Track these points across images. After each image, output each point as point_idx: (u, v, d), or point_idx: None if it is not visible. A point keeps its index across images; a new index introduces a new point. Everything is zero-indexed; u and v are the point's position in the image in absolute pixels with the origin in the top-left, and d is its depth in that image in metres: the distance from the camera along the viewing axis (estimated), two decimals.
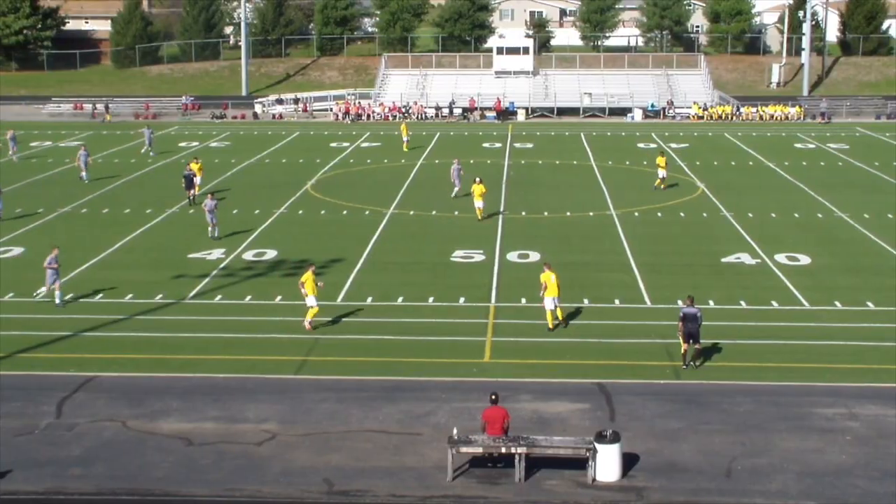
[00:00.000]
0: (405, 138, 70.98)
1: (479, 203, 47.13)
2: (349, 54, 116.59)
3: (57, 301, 34.26)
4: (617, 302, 34.80)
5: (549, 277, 31.96)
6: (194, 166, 52.91)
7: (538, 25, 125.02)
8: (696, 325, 28.28)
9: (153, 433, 24.32)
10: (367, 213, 49.15)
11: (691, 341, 28.40)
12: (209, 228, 43.65)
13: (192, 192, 50.93)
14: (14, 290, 35.94)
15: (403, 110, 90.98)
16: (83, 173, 56.75)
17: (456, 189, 52.07)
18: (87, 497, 21.16)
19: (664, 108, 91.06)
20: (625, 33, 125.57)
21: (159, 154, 67.27)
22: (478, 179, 48.46)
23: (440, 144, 73.33)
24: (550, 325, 31.90)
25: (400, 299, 34.99)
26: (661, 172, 54.86)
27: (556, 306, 32.03)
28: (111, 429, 24.56)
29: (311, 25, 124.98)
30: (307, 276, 31.87)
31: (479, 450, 22.29)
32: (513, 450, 21.98)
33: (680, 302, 34.19)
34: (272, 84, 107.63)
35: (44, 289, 35.08)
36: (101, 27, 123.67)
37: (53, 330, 31.70)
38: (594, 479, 21.78)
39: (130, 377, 27.99)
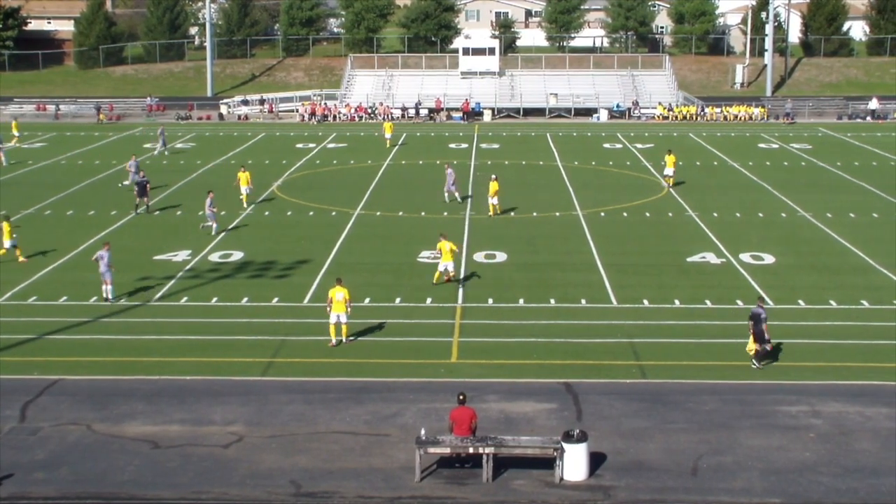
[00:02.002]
0: (388, 136, 72.34)
1: (493, 200, 48.23)
2: (315, 55, 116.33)
3: None
4: (583, 302, 34.93)
5: (444, 246, 36.40)
6: (241, 175, 51.29)
7: (504, 26, 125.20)
8: (761, 326, 28.50)
9: (118, 436, 24.17)
10: (333, 213, 49.07)
11: (760, 342, 28.54)
12: (213, 225, 44.79)
13: (145, 198, 49.71)
14: None
15: (369, 111, 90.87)
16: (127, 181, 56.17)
17: (457, 195, 51.85)
18: (52, 501, 21.01)
19: (629, 109, 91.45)
20: (590, 34, 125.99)
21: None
22: (493, 177, 49.80)
23: (407, 145, 73.27)
24: (435, 280, 36.69)
25: (367, 300, 34.95)
26: (669, 170, 55.99)
27: (446, 269, 36.70)
28: (76, 432, 24.39)
29: (277, 26, 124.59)
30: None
31: (447, 450, 22.33)
32: (480, 450, 22.02)
33: (646, 301, 34.55)
34: (238, 85, 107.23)
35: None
36: (64, 27, 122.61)
37: (16, 333, 31.44)
38: (561, 479, 21.85)
39: (95, 380, 27.81)
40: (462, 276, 38.04)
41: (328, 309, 30.58)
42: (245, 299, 34.83)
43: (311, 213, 49.50)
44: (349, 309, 30.59)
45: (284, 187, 56.05)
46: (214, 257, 40.78)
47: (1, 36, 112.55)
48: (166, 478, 22.06)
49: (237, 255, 40.99)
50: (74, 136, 78.31)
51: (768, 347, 28.88)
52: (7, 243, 40.14)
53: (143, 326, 32.29)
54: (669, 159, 56.40)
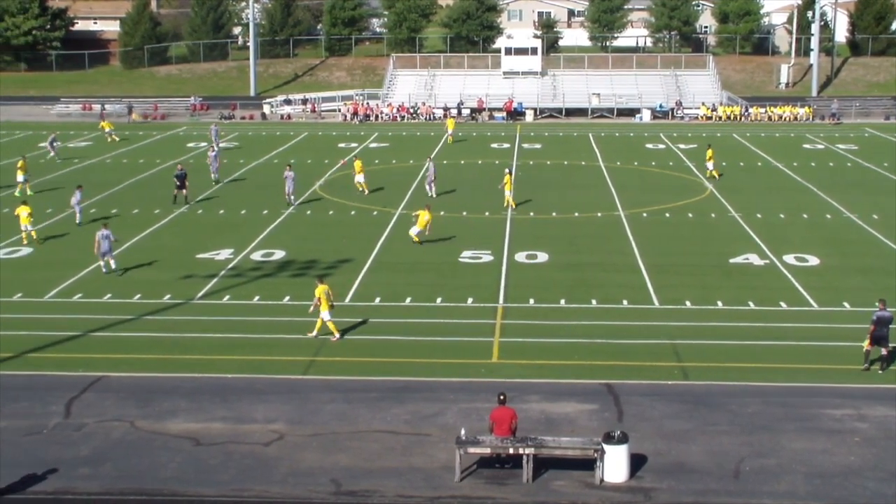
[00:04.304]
0: (450, 132, 74.01)
1: (508, 193, 49.92)
2: (357, 55, 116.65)
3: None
4: (625, 303, 34.75)
5: (423, 215, 41.67)
6: (359, 166, 54.07)
7: (546, 26, 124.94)
8: (886, 329, 28.18)
9: (161, 433, 24.34)
10: (375, 213, 49.16)
11: (878, 345, 28.23)
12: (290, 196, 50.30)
13: (184, 191, 50.92)
14: (22, 291, 36.01)
15: (412, 111, 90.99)
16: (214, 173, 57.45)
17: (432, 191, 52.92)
18: (95, 497, 21.18)
19: (672, 109, 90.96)
20: (633, 34, 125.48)
21: (173, 155, 67.44)
22: (508, 171, 51.50)
23: (449, 145, 73.25)
24: (416, 240, 41.77)
25: (408, 300, 35.00)
26: (711, 164, 57.62)
27: (417, 233, 41.53)
28: (119, 429, 24.59)
29: (320, 26, 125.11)
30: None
31: (487, 450, 22.29)
32: (521, 450, 21.96)
33: (688, 303, 34.32)
34: (280, 84, 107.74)
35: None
36: (110, 28, 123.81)
37: (62, 330, 31.76)
38: (602, 480, 21.75)
39: (139, 377, 28.04)
40: (503, 276, 37.97)
41: (315, 308, 30.88)
42: (287, 298, 34.94)
43: (353, 212, 49.62)
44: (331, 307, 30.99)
45: (326, 186, 56.21)
46: (256, 256, 40.98)
47: (48, 36, 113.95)
48: (208, 475, 22.18)
49: (279, 254, 41.16)
50: (119, 135, 78.86)
51: (884, 352, 28.43)
52: (24, 227, 42.59)
53: (185, 324, 32.49)
54: (708, 153, 57.96)
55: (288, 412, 25.54)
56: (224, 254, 41.19)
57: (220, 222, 47.42)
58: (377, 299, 35.07)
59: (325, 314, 30.91)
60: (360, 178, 53.71)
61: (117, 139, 75.62)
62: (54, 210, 49.32)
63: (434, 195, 52.20)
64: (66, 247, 41.74)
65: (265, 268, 39.17)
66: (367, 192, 53.40)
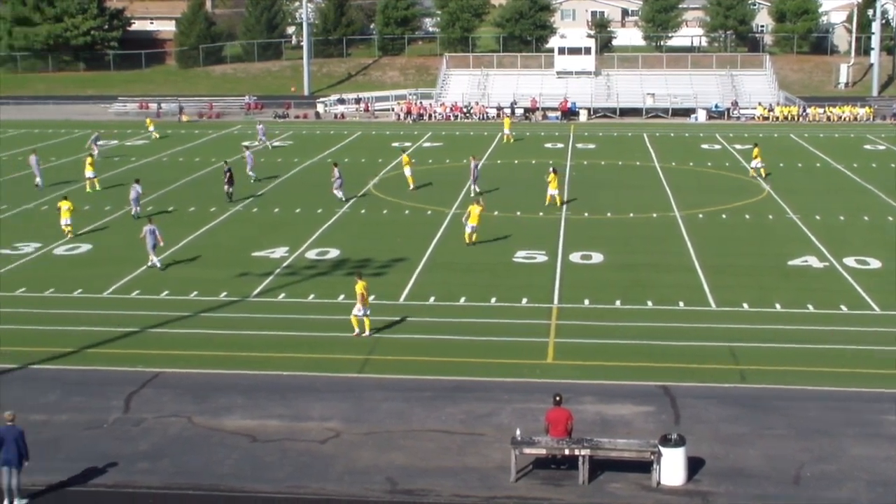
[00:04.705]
0: (507, 131, 74.20)
1: (552, 191, 49.65)
2: (410, 54, 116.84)
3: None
4: (681, 304, 34.46)
5: (474, 209, 41.61)
6: (406, 159, 55.31)
7: (600, 25, 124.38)
8: None
9: (218, 429, 24.52)
10: (428, 213, 49.18)
11: None
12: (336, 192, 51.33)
13: (231, 188, 51.86)
14: (82, 287, 36.43)
15: (465, 110, 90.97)
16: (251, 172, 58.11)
17: (475, 187, 53.04)
18: (154, 491, 21.38)
19: (728, 109, 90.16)
20: (688, 33, 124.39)
21: (223, 153, 67.96)
22: (552, 170, 50.96)
23: (502, 145, 73.16)
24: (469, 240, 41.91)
25: (462, 299, 34.97)
26: (755, 162, 57.85)
27: (472, 230, 41.70)
28: (177, 425, 24.80)
29: (373, 25, 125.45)
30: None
31: (543, 451, 22.21)
32: (576, 452, 21.86)
33: (746, 305, 33.97)
34: (334, 84, 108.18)
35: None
36: (166, 28, 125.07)
37: (121, 326, 32.09)
38: (659, 483, 21.59)
39: (196, 373, 28.26)
40: (558, 276, 37.83)
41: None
42: (341, 296, 35.02)
43: (407, 211, 49.68)
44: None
45: (380, 186, 56.34)
46: (311, 254, 41.15)
47: (106, 36, 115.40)
48: (264, 472, 22.30)
49: (334, 253, 41.31)
50: (175, 134, 79.71)
51: None
52: (63, 221, 43.73)
53: (241, 322, 32.69)
54: (754, 151, 58.14)
55: (344, 410, 25.62)
56: (279, 252, 41.41)
57: (275, 220, 47.68)
58: (431, 299, 35.07)
59: (357, 309, 31.09)
60: (407, 171, 54.79)
61: (157, 136, 77.16)
62: (113, 207, 49.85)
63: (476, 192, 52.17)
64: (124, 244, 42.13)
65: (320, 266, 39.31)
66: (412, 186, 54.11)
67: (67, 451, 23.32)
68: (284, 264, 39.66)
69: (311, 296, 35.39)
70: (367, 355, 29.67)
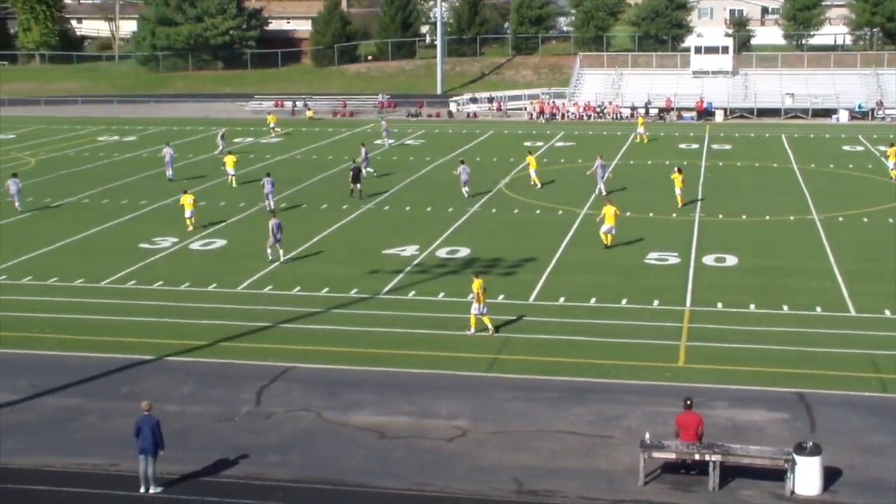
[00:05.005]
0: (640, 131, 73.94)
1: (678, 191, 49.37)
2: (544, 53, 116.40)
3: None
4: (818, 309, 33.47)
5: (609, 210, 41.17)
6: (530, 158, 56.07)
7: (738, 24, 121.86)
8: None
9: (347, 425, 24.76)
10: (560, 212, 48.88)
11: None
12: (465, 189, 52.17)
13: (358, 185, 52.41)
14: (216, 281, 37.22)
15: (598, 110, 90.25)
16: (369, 168, 59.29)
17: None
18: (284, 484, 21.69)
19: (873, 110, 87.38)
20: (831, 31, 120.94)
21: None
22: (677, 169, 50.99)
23: (636, 145, 72.31)
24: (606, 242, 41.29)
25: (592, 300, 34.63)
26: (891, 163, 55.92)
27: (608, 230, 41.00)
28: (307, 419, 25.13)
29: (507, 24, 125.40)
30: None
31: (672, 455, 21.83)
32: (707, 457, 21.42)
33: (888, 311, 32.84)
34: (467, 83, 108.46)
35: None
36: (302, 27, 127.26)
37: (253, 320, 32.68)
38: (793, 492, 21.00)
39: (326, 369, 28.59)
40: (690, 279, 37.19)
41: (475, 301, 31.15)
42: (470, 295, 34.86)
43: (538, 211, 49.46)
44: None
45: (511, 185, 56.24)
46: (441, 253, 41.28)
47: (244, 36, 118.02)
48: (391, 468, 22.42)
49: (464, 252, 41.36)
50: (309, 132, 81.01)
51: None
52: (188, 213, 45.40)
53: (371, 319, 32.96)
54: (890, 150, 55.99)
55: (471, 409, 25.60)
56: (410, 250, 41.65)
57: (406, 218, 48.00)
58: (561, 299, 34.82)
59: (475, 307, 31.10)
60: (532, 172, 55.37)
61: (279, 130, 79.22)
62: (247, 204, 50.82)
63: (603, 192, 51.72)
64: (258, 239, 42.80)
65: (450, 265, 39.40)
66: (539, 185, 54.42)
67: (200, 441, 23.84)
68: (415, 262, 39.87)
69: (441, 294, 35.48)
70: (496, 354, 29.60)
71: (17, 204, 50.12)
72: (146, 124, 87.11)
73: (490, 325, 31.24)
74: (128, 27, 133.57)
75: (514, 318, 32.62)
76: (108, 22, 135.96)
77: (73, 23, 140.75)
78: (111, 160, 67.43)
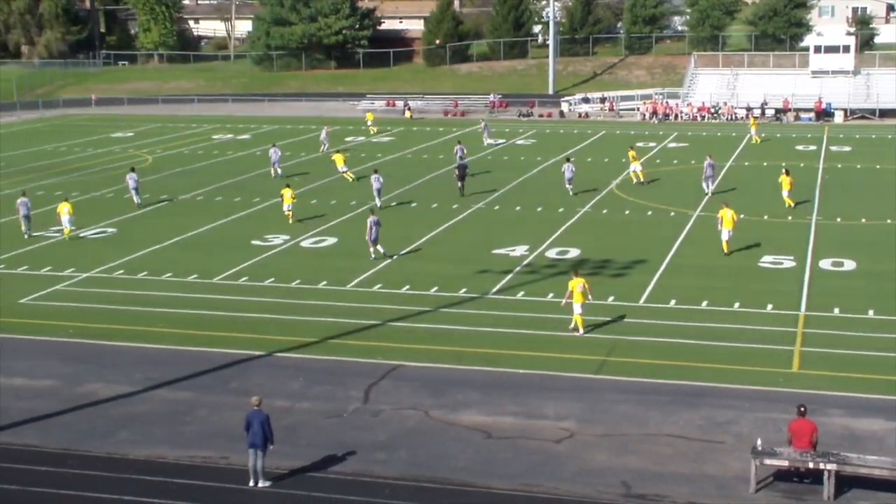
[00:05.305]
0: (753, 132, 73.13)
1: (785, 193, 48.70)
2: (657, 53, 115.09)
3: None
4: None
5: (725, 213, 39.75)
6: (632, 153, 56.58)
7: (861, 22, 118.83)
8: None
9: (454, 424, 24.75)
10: (672, 214, 48.23)
11: None
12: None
13: (462, 183, 52.98)
14: (327, 279, 37.56)
15: (712, 111, 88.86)
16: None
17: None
18: (390, 482, 21.75)
19: None
20: None
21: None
22: (785, 171, 50.25)
23: (751, 146, 70.98)
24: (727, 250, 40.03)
25: (704, 303, 34.06)
26: None
27: (728, 237, 39.96)
28: (414, 417, 25.18)
29: (620, 24, 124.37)
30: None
31: (785, 463, 21.33)
32: (821, 466, 20.87)
33: None
34: (579, 83, 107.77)
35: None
36: (414, 27, 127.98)
37: (362, 318, 32.89)
38: None
39: (433, 368, 28.63)
40: (806, 283, 36.33)
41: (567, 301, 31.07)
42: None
43: (650, 212, 48.88)
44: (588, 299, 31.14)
45: (623, 185, 55.68)
46: (551, 253, 41.04)
47: (357, 35, 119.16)
48: (498, 468, 22.34)
49: (574, 252, 41.06)
50: (420, 132, 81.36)
51: None
52: (286, 207, 47.03)
53: (479, 318, 32.91)
54: None
55: (578, 410, 25.38)
56: (519, 250, 41.50)
57: (516, 218, 47.85)
58: (672, 301, 34.33)
59: (577, 307, 30.90)
60: (635, 167, 55.78)
61: (375, 130, 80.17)
62: (358, 202, 51.20)
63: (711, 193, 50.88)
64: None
65: (560, 265, 39.13)
66: (644, 181, 54.96)
67: (308, 437, 24.07)
68: (524, 262, 39.71)
69: (550, 294, 35.22)
70: (605, 356, 29.30)
71: (136, 199, 51.49)
72: (259, 123, 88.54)
73: (581, 329, 31.10)
74: (243, 27, 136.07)
75: (624, 320, 32.24)
76: (224, 22, 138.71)
77: (191, 23, 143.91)
78: (225, 158, 68.68)
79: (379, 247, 40.15)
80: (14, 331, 32.19)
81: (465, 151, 60.78)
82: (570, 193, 52.14)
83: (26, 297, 35.89)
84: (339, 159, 58.12)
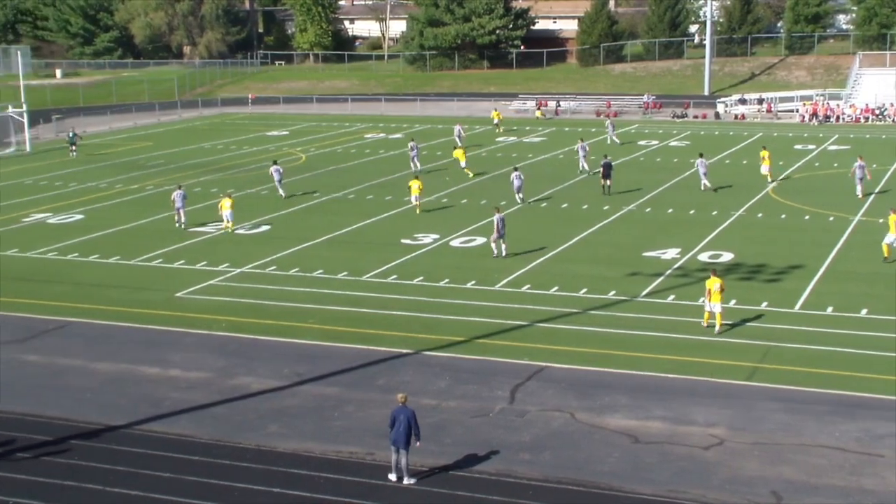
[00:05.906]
0: None
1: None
2: (819, 53, 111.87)
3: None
4: None
5: (893, 219, 38.39)
6: (764, 153, 56.74)
7: None
8: None
9: (600, 427, 24.41)
10: (831, 219, 46.73)
11: None
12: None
13: (608, 181, 52.80)
14: (476, 278, 37.56)
15: (878, 112, 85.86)
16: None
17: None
18: (534, 483, 21.56)
19: None
20: None
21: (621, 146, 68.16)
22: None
23: None
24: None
25: (863, 311, 32.85)
26: None
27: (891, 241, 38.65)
28: (559, 419, 24.93)
29: (780, 23, 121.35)
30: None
31: None
32: None
33: None
34: (736, 84, 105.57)
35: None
36: (568, 27, 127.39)
37: (510, 318, 32.77)
38: None
39: (580, 370, 28.31)
40: None
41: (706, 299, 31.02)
42: (733, 301, 33.80)
43: (807, 216, 47.46)
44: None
45: (779, 189, 54.24)
46: (703, 257, 40.21)
47: (510, 35, 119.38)
48: (644, 473, 21.93)
49: (727, 256, 40.14)
50: (572, 132, 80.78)
51: None
52: (413, 198, 49.14)
53: (628, 321, 32.43)
54: None
55: (729, 417, 24.75)
56: (671, 253, 40.79)
57: (668, 221, 47.08)
58: (829, 308, 33.21)
59: (716, 306, 30.81)
60: (764, 168, 56.00)
61: (501, 130, 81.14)
62: (508, 202, 51.02)
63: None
64: (518, 237, 42.89)
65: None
66: (771, 180, 55.04)
67: (454, 436, 24.05)
68: (675, 265, 39.01)
69: (701, 299, 34.26)
70: (757, 363, 28.51)
71: (280, 191, 52.94)
72: (412, 122, 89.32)
73: (719, 327, 30.93)
74: (397, 27, 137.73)
75: (779, 326, 31.34)
76: (379, 22, 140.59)
77: (346, 24, 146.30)
78: (377, 157, 69.50)
79: (503, 243, 40.21)
80: (170, 323, 33.16)
81: (587, 150, 60.52)
82: (702, 189, 52.64)
83: (182, 290, 36.93)
84: (460, 155, 59.24)
